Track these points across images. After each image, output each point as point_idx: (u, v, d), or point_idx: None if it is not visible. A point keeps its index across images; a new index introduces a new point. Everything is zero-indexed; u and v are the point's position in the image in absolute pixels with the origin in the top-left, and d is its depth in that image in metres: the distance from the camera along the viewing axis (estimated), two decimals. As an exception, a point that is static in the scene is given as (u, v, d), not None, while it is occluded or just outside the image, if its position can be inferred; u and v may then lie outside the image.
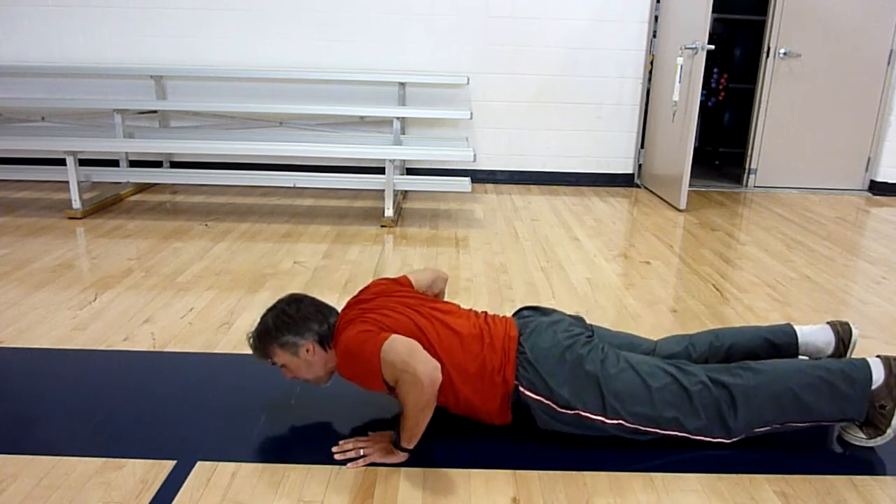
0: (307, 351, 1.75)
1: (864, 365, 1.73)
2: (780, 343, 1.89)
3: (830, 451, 1.79)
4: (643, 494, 1.59)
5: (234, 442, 1.75)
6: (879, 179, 5.11)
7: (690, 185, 4.90)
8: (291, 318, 1.75)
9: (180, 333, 2.38)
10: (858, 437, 1.79)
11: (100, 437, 1.75)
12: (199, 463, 1.66)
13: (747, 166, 5.20)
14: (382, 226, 3.85)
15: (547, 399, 1.69)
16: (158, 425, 1.82)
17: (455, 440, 1.78)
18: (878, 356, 1.76)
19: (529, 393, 1.70)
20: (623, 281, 3.05)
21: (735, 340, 1.90)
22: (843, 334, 1.89)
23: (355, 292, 2.78)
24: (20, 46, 4.75)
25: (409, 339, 1.64)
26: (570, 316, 1.88)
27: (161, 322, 2.47)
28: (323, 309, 1.81)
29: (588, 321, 2.56)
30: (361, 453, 1.69)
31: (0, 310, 2.54)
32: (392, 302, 1.81)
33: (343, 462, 1.68)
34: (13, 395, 1.96)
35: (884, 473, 1.69)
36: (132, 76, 4.78)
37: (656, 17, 4.88)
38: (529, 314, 1.86)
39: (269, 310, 1.80)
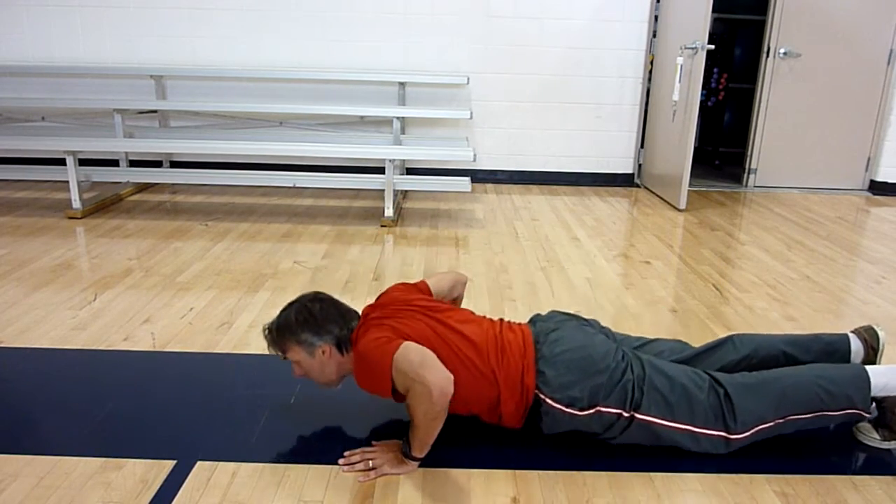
0: (323, 353, 1.72)
1: (858, 368, 1.74)
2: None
3: (830, 451, 1.79)
4: (643, 494, 1.59)
5: (234, 442, 1.75)
6: (879, 179, 5.11)
7: (690, 185, 4.90)
8: (314, 316, 1.73)
9: (180, 333, 2.38)
10: (872, 438, 1.80)
11: (100, 437, 1.75)
12: (199, 463, 1.66)
13: (747, 166, 5.20)
14: (382, 225, 3.85)
15: (567, 406, 1.66)
16: (158, 425, 1.82)
17: (455, 440, 1.78)
18: None
19: (549, 400, 1.67)
20: (623, 281, 3.05)
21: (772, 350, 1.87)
22: (869, 340, 1.87)
23: (356, 292, 2.80)
24: (20, 46, 4.74)
25: (422, 347, 1.60)
26: (583, 320, 1.86)
27: (161, 322, 2.47)
28: (345, 313, 1.79)
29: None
30: (371, 465, 1.65)
31: (0, 310, 2.55)
32: (410, 309, 1.79)
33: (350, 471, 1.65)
34: (13, 395, 1.96)
35: (884, 473, 1.69)
36: (132, 76, 4.78)
37: (656, 17, 4.88)
38: (544, 319, 1.84)
39: (291, 304, 1.77)
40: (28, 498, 1.52)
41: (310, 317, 1.73)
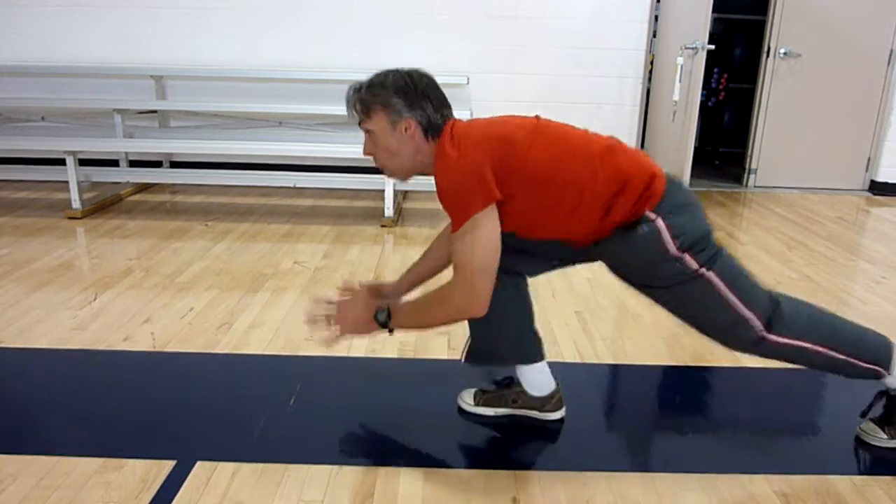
0: (406, 129, 1.56)
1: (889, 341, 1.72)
2: None
3: (830, 451, 1.79)
4: (643, 494, 1.59)
5: (234, 442, 1.75)
6: (879, 179, 5.11)
7: (690, 185, 4.90)
8: (411, 87, 1.57)
9: (180, 333, 2.38)
10: (878, 438, 1.79)
11: (100, 437, 1.75)
12: (198, 463, 1.66)
13: (747, 166, 5.21)
14: (382, 226, 3.84)
15: (673, 236, 1.49)
16: (158, 425, 1.82)
17: (455, 440, 1.78)
18: None
19: (661, 220, 1.49)
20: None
21: None
22: None
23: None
24: (20, 46, 4.74)
25: (496, 245, 1.47)
26: None
27: (161, 322, 2.47)
28: (444, 99, 1.61)
29: (588, 321, 2.58)
30: (332, 322, 1.56)
31: (0, 310, 2.55)
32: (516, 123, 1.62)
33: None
34: (13, 395, 1.96)
35: (884, 473, 1.69)
36: (132, 76, 4.78)
37: (656, 17, 4.88)
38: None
39: (390, 70, 1.61)
40: (28, 498, 1.52)
41: (407, 85, 1.57)
